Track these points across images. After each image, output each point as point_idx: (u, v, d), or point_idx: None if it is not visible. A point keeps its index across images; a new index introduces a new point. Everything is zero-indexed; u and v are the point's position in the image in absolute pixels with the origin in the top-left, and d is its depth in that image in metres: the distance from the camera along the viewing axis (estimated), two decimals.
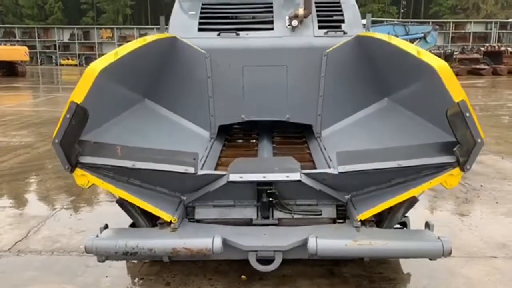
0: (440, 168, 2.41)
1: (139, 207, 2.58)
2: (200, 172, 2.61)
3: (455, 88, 2.27)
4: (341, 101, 3.71)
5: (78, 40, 36.01)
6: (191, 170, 2.53)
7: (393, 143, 2.69)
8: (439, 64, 2.35)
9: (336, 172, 2.59)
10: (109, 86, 2.68)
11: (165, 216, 2.56)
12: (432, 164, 2.42)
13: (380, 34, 3.44)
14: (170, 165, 2.53)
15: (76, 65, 34.76)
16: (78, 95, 2.31)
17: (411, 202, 2.60)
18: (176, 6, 4.21)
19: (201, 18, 3.98)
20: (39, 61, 35.56)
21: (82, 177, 2.42)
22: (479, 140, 2.24)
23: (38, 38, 36.24)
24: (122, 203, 2.63)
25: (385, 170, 2.50)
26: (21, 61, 23.79)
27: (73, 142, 2.34)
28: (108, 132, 2.65)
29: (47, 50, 36.54)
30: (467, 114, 2.23)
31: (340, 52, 3.63)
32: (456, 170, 2.35)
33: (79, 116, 2.32)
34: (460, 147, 2.29)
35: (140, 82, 3.27)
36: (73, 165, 2.36)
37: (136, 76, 3.16)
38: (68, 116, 2.28)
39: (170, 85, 3.67)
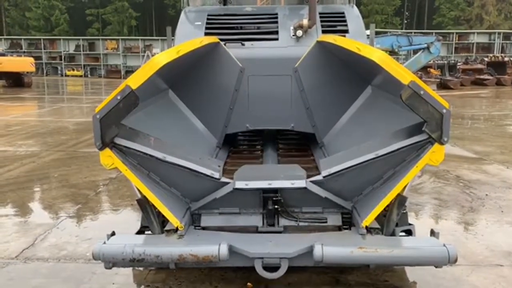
0: (420, 150, 2.44)
1: (156, 210, 2.61)
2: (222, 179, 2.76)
3: (401, 73, 2.29)
4: (329, 106, 3.71)
5: (83, 51, 36.25)
6: (216, 175, 2.73)
7: (389, 130, 2.70)
8: (378, 56, 2.38)
9: (321, 178, 2.69)
10: (157, 78, 2.72)
11: (174, 220, 2.58)
12: (407, 146, 2.46)
13: (329, 36, 3.40)
14: (198, 166, 2.68)
15: (81, 76, 35.00)
16: (135, 81, 2.34)
17: (401, 201, 2.59)
18: (182, 16, 4.27)
19: (207, 28, 4.02)
20: (44, 72, 35.81)
21: (108, 158, 2.45)
22: (444, 111, 2.27)
23: (44, 49, 36.53)
24: (142, 203, 2.65)
25: (365, 164, 2.56)
26: (27, 72, 23.95)
27: (113, 123, 2.37)
28: (131, 114, 2.66)
29: (53, 61, 36.82)
30: (422, 92, 2.25)
31: (309, 62, 3.63)
32: (436, 146, 2.36)
33: (129, 101, 2.34)
34: (428, 124, 2.31)
35: (172, 75, 3.29)
36: (104, 144, 2.39)
37: (174, 70, 3.18)
38: (118, 97, 2.31)
39: (196, 84, 3.66)
